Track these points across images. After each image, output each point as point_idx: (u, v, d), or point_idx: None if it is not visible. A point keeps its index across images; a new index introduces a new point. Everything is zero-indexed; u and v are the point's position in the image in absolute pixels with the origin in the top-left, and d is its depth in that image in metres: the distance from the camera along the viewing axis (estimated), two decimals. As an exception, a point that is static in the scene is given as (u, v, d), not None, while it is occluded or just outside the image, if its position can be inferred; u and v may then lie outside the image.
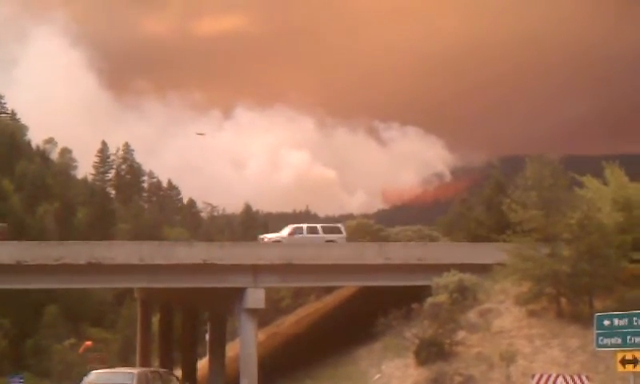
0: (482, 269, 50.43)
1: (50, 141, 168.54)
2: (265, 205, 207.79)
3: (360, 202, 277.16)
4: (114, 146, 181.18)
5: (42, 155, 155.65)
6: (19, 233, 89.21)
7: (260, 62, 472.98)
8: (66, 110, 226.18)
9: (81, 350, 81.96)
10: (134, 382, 36.68)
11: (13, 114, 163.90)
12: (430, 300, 48.07)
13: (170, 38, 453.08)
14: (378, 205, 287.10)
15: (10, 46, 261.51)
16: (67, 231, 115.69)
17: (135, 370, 41.31)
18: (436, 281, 50.21)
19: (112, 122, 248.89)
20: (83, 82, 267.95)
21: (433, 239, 71.51)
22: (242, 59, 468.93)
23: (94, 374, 38.92)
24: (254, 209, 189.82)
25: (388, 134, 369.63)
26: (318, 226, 62.04)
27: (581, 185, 51.66)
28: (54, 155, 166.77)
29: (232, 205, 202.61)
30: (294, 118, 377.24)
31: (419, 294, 48.54)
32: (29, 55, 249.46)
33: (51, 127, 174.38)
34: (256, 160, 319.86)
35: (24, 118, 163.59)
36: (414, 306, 47.10)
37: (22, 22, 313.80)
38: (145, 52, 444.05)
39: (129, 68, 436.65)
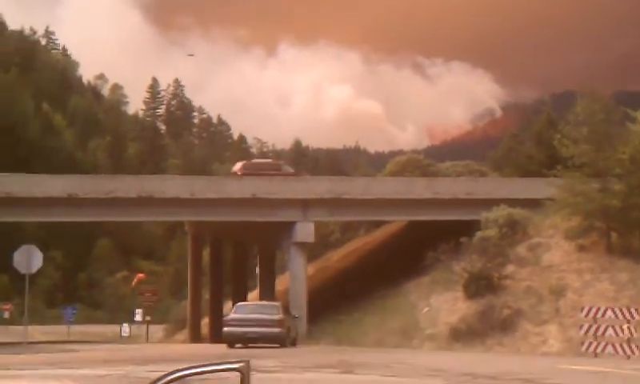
0: (532, 204, 50.21)
1: (101, 77, 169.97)
2: (312, 140, 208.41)
3: (409, 138, 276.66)
4: (162, 82, 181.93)
5: (94, 91, 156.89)
6: (71, 167, 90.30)
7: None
8: (113, 47, 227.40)
9: (134, 282, 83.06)
10: (279, 310, 42.46)
11: (64, 50, 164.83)
12: (479, 234, 48.11)
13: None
14: (427, 141, 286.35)
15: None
16: (118, 166, 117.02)
17: (276, 302, 46.70)
18: (485, 215, 50.18)
19: (158, 58, 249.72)
20: (128, 18, 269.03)
21: (482, 174, 71.23)
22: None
23: (243, 306, 44.35)
24: (304, 144, 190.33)
25: (433, 70, 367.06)
26: None
27: (633, 120, 51.07)
28: (105, 91, 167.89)
29: (279, 140, 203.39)
30: (338, 54, 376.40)
31: (468, 228, 48.55)
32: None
33: (99, 63, 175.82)
34: (301, 96, 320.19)
35: (73, 54, 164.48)
36: (463, 240, 47.12)
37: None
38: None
39: (173, 4, 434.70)
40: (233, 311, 43.26)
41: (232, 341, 40.52)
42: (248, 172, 58.43)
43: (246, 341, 40.32)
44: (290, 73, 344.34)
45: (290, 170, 62.50)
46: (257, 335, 40.27)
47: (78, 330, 74.20)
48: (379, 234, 69.85)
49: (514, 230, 50.00)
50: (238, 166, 62.06)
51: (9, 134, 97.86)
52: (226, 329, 41.43)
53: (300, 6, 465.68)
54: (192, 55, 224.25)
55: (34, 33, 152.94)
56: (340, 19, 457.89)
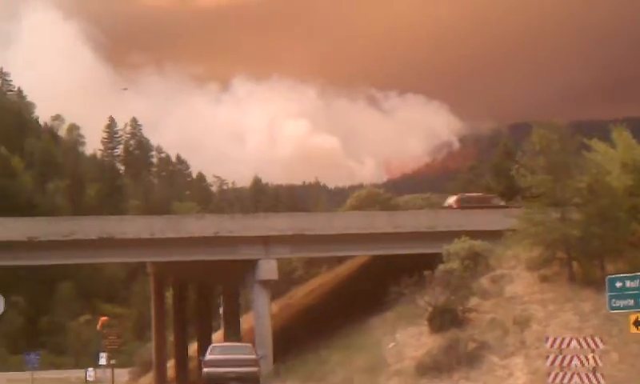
0: (493, 235, 50.44)
1: (57, 118, 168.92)
2: (271, 176, 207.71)
3: (368, 172, 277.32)
4: (118, 121, 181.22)
5: (51, 132, 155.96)
6: (30, 210, 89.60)
7: (258, 32, 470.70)
8: (68, 86, 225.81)
9: (99, 326, 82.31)
10: (252, 351, 44.98)
11: (19, 91, 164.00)
12: (441, 267, 48.16)
13: (168, 10, 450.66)
14: (386, 174, 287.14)
15: (4, 23, 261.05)
16: (78, 208, 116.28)
17: (248, 344, 48.90)
18: (447, 248, 50.26)
19: (113, 96, 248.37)
20: (81, 57, 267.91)
21: (443, 207, 71.50)
22: (240, 30, 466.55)
23: (218, 347, 46.58)
24: (263, 181, 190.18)
25: (388, 103, 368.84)
26: None
27: (589, 149, 51.58)
28: (62, 132, 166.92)
29: (237, 177, 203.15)
30: (293, 87, 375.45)
31: (431, 261, 48.62)
32: (24, 31, 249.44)
33: (55, 103, 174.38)
34: (257, 132, 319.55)
35: (29, 95, 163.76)
36: (426, 273, 47.14)
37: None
38: (142, 25, 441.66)
39: (126, 41, 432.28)
40: (209, 352, 44.28)
41: (212, 381, 41.85)
42: (463, 205, 59.25)
43: (226, 381, 41.62)
44: (245, 108, 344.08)
45: (501, 202, 62.41)
46: (235, 375, 41.83)
47: (43, 376, 73.32)
48: (342, 270, 69.84)
49: (476, 262, 50.13)
50: (452, 199, 62.57)
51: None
52: (205, 370, 42.63)
53: (253, 40, 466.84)
54: (126, 89, 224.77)
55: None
56: (293, 53, 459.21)
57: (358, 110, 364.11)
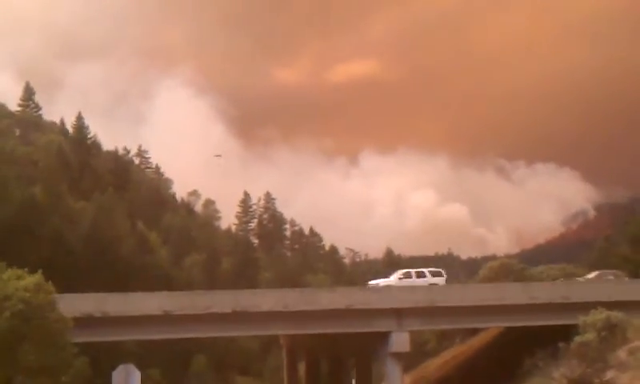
0: (631, 306, 49.37)
1: (194, 193, 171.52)
2: (401, 247, 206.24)
3: (500, 242, 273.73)
4: (250, 195, 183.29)
5: (187, 207, 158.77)
6: (166, 284, 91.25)
7: (387, 106, 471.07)
8: (201, 162, 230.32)
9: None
10: None
11: (157, 168, 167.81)
12: (577, 339, 47.27)
13: (298, 84, 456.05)
14: (518, 245, 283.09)
15: (140, 102, 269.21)
16: (213, 281, 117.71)
17: None
18: (583, 319, 49.31)
19: (244, 170, 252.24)
20: (214, 132, 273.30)
21: (578, 277, 70.34)
22: (369, 104, 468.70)
23: None
24: (396, 253, 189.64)
25: (517, 173, 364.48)
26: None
27: None
28: (198, 207, 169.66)
29: (368, 249, 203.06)
30: (420, 159, 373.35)
31: (565, 332, 47.79)
32: (158, 109, 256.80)
33: (189, 179, 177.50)
34: (386, 203, 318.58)
35: (166, 172, 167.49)
36: (561, 345, 46.40)
37: (149, 78, 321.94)
38: (272, 99, 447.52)
39: (257, 116, 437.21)
40: None
41: None
42: None
43: None
44: (373, 181, 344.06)
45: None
46: None
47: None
48: (476, 342, 69.06)
49: (613, 334, 48.98)
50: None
51: (106, 252, 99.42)
52: None
53: (380, 113, 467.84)
54: (219, 156, 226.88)
55: (128, 152, 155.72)
56: (419, 124, 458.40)
57: (487, 180, 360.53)
